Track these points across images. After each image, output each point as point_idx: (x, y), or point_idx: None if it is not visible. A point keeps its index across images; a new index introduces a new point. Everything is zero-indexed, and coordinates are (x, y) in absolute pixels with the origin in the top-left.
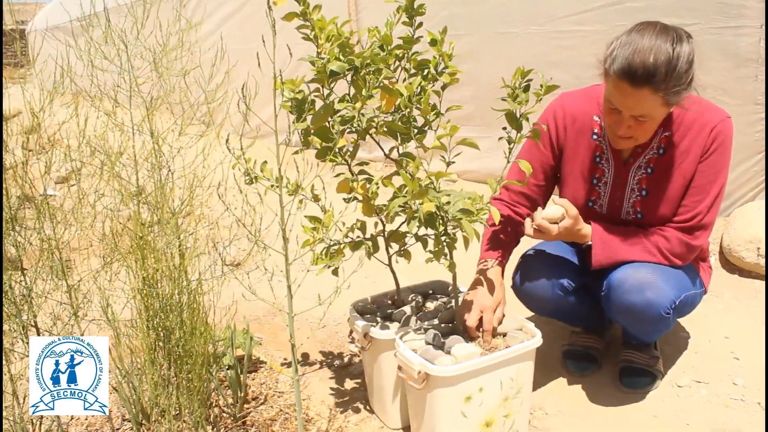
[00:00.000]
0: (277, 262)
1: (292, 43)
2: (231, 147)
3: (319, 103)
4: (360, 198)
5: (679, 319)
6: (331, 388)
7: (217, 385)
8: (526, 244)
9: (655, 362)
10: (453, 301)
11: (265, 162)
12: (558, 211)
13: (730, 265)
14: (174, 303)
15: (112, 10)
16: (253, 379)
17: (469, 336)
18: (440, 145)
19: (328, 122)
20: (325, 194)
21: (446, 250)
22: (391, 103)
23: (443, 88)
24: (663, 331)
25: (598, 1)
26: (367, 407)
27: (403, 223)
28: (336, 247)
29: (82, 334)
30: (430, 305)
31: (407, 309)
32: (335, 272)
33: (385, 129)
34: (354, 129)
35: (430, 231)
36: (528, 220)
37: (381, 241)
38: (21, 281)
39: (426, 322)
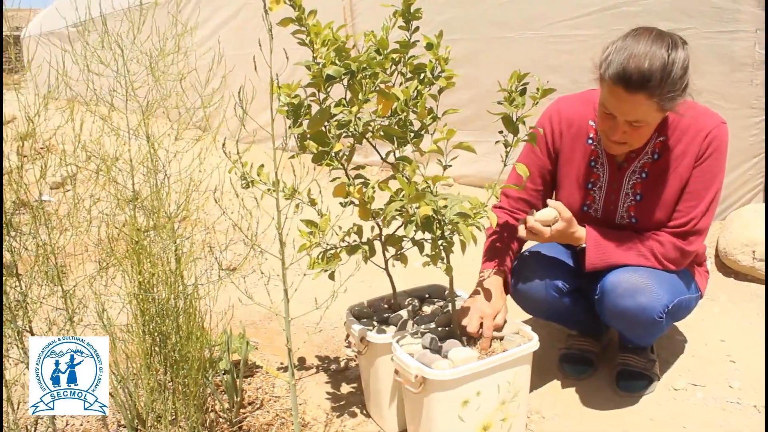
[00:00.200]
0: (273, 266)
1: (288, 48)
2: (228, 151)
3: (315, 108)
4: (356, 202)
5: (675, 323)
6: (328, 393)
7: (213, 389)
8: (527, 247)
9: (652, 365)
10: (450, 304)
11: (262, 166)
12: (551, 213)
13: (726, 268)
14: (170, 308)
15: (108, 15)
16: (249, 384)
17: (466, 340)
18: (437, 149)
19: (325, 126)
20: (322, 198)
21: (443, 254)
22: (387, 107)
23: (440, 92)
24: (657, 335)
25: (595, 5)
26: (364, 411)
27: (399, 226)
28: (332, 251)
29: None
30: (427, 309)
31: (404, 313)
32: (332, 276)
33: (382, 133)
34: (351, 133)
35: (427, 235)
36: (521, 222)
37: (377, 244)
38: (16, 287)
39: (423, 326)
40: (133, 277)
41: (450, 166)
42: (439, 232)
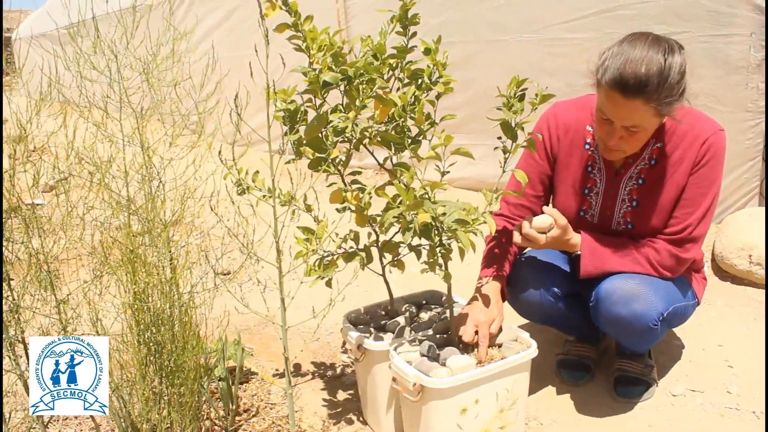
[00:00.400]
0: (269, 274)
1: (283, 51)
2: (223, 158)
3: (311, 114)
4: (353, 208)
5: (673, 328)
6: (324, 400)
7: (208, 397)
8: None
9: (650, 371)
10: (447, 311)
11: (257, 172)
12: (546, 220)
13: (723, 272)
14: (165, 317)
15: (100, 18)
16: (244, 391)
17: (464, 347)
18: (435, 155)
19: (321, 133)
20: (318, 205)
21: (441, 261)
22: (384, 113)
23: (437, 97)
24: (653, 342)
25: (591, 8)
26: (360, 419)
27: (396, 233)
28: (329, 258)
29: None
30: (424, 316)
31: (401, 320)
32: (328, 283)
33: (379, 139)
34: (347, 139)
35: (424, 241)
36: (516, 229)
37: (374, 251)
38: (8, 296)
39: (420, 333)
40: (128, 285)
41: (448, 172)
42: (437, 239)
